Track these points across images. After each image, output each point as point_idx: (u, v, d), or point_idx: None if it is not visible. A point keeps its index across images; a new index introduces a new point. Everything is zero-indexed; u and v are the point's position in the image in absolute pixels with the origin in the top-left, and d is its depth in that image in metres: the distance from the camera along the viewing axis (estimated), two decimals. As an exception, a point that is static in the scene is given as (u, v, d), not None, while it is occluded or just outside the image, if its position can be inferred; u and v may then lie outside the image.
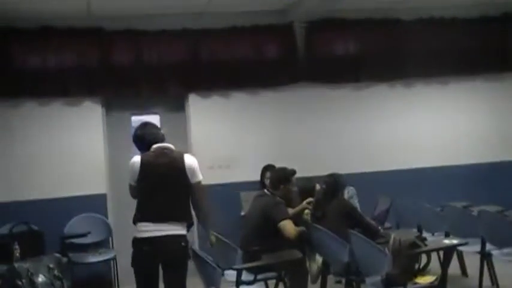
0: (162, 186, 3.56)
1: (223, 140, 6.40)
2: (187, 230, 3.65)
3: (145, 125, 3.83)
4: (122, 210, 6.07)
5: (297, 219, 4.82)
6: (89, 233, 5.65)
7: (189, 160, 3.66)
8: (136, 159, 3.65)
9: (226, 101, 6.45)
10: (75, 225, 5.83)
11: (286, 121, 6.55)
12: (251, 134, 6.46)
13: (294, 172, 4.82)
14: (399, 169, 6.58)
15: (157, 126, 3.85)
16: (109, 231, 5.96)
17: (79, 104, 6.12)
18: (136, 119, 6.26)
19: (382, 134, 6.74)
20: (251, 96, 6.49)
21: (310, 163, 6.18)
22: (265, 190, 4.83)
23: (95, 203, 5.98)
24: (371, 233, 4.51)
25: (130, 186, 3.70)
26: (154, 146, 3.67)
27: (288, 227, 4.47)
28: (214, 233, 4.00)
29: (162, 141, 3.73)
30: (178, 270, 3.57)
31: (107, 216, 6.05)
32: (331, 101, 6.64)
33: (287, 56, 6.51)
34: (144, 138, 3.73)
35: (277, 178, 4.78)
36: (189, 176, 3.62)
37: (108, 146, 6.26)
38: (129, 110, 6.39)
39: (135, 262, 3.58)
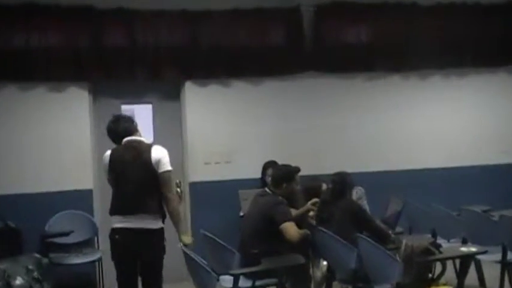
0: (129, 178, 3.97)
1: (221, 133, 6.36)
2: (162, 221, 4.02)
3: (118, 118, 4.22)
4: (108, 207, 6.04)
5: (301, 221, 4.82)
6: (72, 231, 5.59)
7: (156, 152, 4.00)
8: (107, 153, 4.11)
9: (226, 90, 6.40)
10: (57, 223, 5.78)
11: (290, 114, 6.51)
12: (252, 127, 6.42)
13: (298, 170, 4.82)
14: (413, 168, 6.57)
15: (130, 119, 4.21)
16: (94, 230, 5.92)
17: (64, 89, 6.04)
18: (127, 108, 6.22)
19: (395, 129, 6.73)
20: (253, 85, 6.45)
21: (316, 160, 6.17)
22: (267, 189, 4.82)
23: (80, 199, 5.94)
24: (380, 238, 4.52)
25: (107, 179, 4.18)
26: (125, 139, 4.07)
27: (290, 229, 4.47)
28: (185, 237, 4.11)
29: (134, 134, 4.12)
30: (151, 265, 3.98)
31: (92, 214, 6.02)
32: (340, 92, 6.62)
33: (293, 43, 6.46)
34: (117, 131, 4.13)
35: (279, 176, 4.78)
36: (155, 167, 3.95)
37: (95, 137, 6.19)
38: (119, 98, 6.32)
39: (111, 252, 4.04)
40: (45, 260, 5.03)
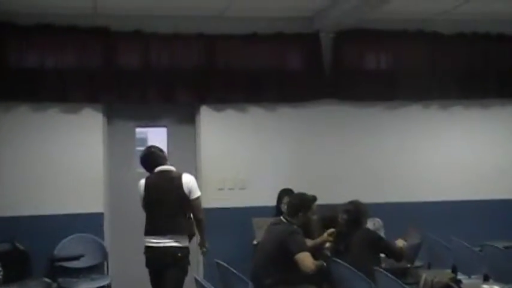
0: (161, 204, 4.59)
1: (236, 159, 6.39)
2: (189, 241, 4.68)
3: (149, 148, 4.91)
4: (120, 232, 6.17)
5: (316, 252, 4.82)
6: (82, 256, 5.64)
7: (186, 179, 4.66)
8: (142, 181, 4.72)
9: (242, 116, 6.47)
10: (66, 246, 5.82)
11: (308, 141, 6.54)
12: (268, 154, 6.45)
13: (314, 199, 4.82)
14: (433, 201, 6.54)
15: (160, 150, 4.86)
16: (104, 254, 5.96)
17: (78, 111, 6.13)
18: (141, 131, 6.28)
19: (415, 160, 6.72)
20: (270, 111, 6.51)
21: (333, 189, 6.16)
22: (282, 217, 4.82)
23: (90, 223, 5.98)
24: (397, 257, 4.73)
25: (142, 205, 4.73)
26: (157, 168, 4.70)
27: (306, 260, 4.47)
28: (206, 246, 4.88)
29: (165, 163, 4.74)
30: (171, 276, 4.55)
31: (103, 238, 6.05)
32: (358, 121, 6.65)
33: (312, 69, 6.51)
34: (148, 161, 4.78)
35: (295, 204, 4.78)
36: (187, 193, 4.60)
37: (108, 159, 6.28)
38: (133, 121, 6.43)
39: (147, 267, 4.68)
40: (54, 285, 5.07)
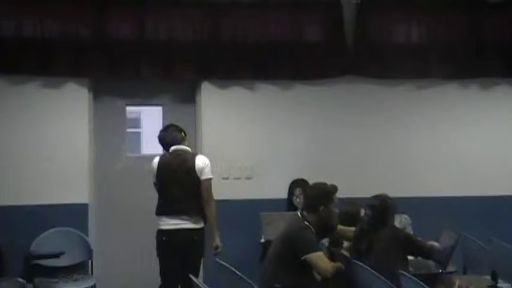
0: (174, 183, 5.08)
1: (242, 144, 6.39)
2: (204, 222, 5.16)
3: (167, 127, 5.37)
4: (106, 226, 6.27)
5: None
6: (63, 253, 5.60)
7: (199, 160, 5.17)
8: (155, 160, 5.22)
9: (250, 94, 6.44)
10: (45, 242, 5.84)
11: (326, 125, 6.51)
12: (280, 139, 6.44)
13: (335, 188, 4.74)
14: (471, 195, 6.52)
15: (178, 129, 5.31)
16: (88, 252, 5.96)
17: (61, 85, 6.11)
18: (133, 110, 6.19)
19: (450, 147, 6.69)
20: (282, 89, 6.48)
21: (355, 181, 6.15)
22: (299, 213, 4.74)
23: (73, 215, 5.98)
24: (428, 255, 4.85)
25: (154, 184, 5.24)
26: (172, 148, 5.19)
27: (319, 261, 4.47)
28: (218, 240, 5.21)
29: (181, 143, 5.22)
30: (191, 260, 5.06)
31: (87, 233, 6.05)
32: (385, 101, 6.61)
33: (332, 42, 6.49)
34: (165, 140, 5.25)
35: (316, 196, 4.68)
36: (198, 174, 5.08)
37: (94, 142, 6.27)
38: (123, 99, 6.42)
39: (159, 251, 5.11)
40: (29, 286, 5.10)
